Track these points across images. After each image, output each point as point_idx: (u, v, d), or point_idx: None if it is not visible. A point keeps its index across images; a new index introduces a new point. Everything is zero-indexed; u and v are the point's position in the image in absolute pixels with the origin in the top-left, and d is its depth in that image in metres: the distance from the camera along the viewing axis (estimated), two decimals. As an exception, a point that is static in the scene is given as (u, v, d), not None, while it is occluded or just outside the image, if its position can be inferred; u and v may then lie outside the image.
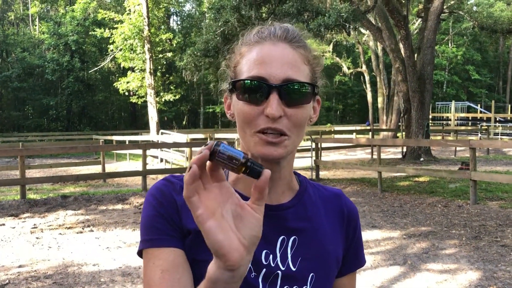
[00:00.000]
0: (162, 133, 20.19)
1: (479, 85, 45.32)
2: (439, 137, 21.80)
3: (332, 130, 26.40)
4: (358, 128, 29.15)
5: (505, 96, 46.43)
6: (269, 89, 0.87)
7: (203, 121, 39.43)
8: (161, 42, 25.41)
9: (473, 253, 5.58)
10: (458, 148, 18.80)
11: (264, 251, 0.92)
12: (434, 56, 17.31)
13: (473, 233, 6.48)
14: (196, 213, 0.67)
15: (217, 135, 21.50)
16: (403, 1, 17.80)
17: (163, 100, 25.00)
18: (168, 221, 0.91)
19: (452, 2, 19.65)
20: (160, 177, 13.85)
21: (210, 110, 38.94)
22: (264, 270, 0.91)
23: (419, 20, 21.98)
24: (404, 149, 16.90)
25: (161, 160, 17.51)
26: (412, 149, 16.14)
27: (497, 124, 28.29)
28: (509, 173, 11.53)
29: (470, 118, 32.84)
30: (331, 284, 1.01)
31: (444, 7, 16.95)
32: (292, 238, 0.95)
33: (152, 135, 21.08)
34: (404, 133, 17.29)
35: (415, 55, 16.25)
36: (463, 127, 28.23)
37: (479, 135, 22.65)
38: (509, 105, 37.27)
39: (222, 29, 12.20)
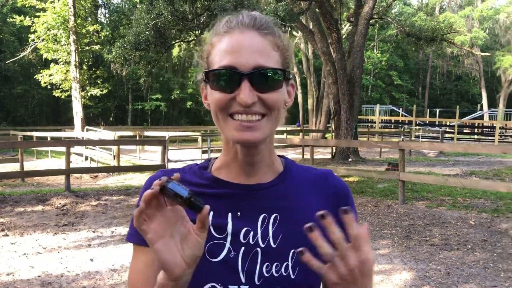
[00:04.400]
0: (87, 130, 19.30)
1: (401, 90, 47.76)
2: (365, 139, 22.60)
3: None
4: (289, 128, 29.58)
5: (424, 101, 49.34)
6: (240, 77, 0.90)
7: (131, 118, 38.12)
8: (88, 34, 24.11)
9: (405, 252, 5.70)
10: (383, 150, 19.55)
11: (245, 229, 0.96)
12: (363, 60, 17.87)
13: (403, 232, 6.64)
14: (146, 238, 0.79)
15: (146, 133, 20.85)
16: (335, 5, 18.22)
17: (89, 94, 23.76)
18: None
19: (380, 9, 20.42)
20: (85, 176, 13.21)
21: (139, 106, 37.76)
22: (243, 248, 0.95)
23: (348, 24, 22.68)
24: (334, 150, 17.30)
25: (86, 158, 16.65)
26: (341, 150, 16.55)
27: (417, 127, 29.91)
28: (432, 173, 12.10)
29: (393, 121, 34.42)
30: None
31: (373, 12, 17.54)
32: (273, 216, 0.98)
33: (77, 132, 20.01)
34: (333, 134, 17.70)
35: (346, 58, 16.67)
36: (387, 130, 29.54)
37: (402, 137, 23.79)
38: (428, 110, 39.71)
39: (154, 22, 11.72)
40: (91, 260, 5.35)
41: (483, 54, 31.69)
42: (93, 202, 8.86)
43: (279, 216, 0.98)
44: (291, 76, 0.98)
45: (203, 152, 14.94)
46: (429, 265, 5.21)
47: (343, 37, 25.01)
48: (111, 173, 13.43)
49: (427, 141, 21.63)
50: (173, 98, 38.19)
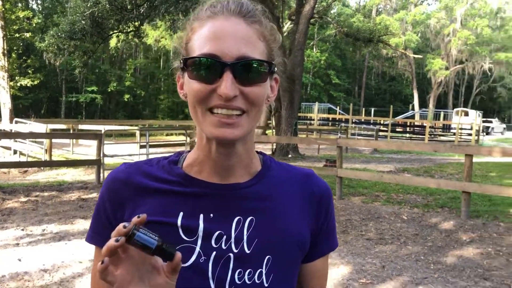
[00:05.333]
0: (16, 122, 18.22)
1: (338, 88, 49.15)
2: (304, 136, 23.02)
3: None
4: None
5: (360, 100, 51.09)
6: (222, 67, 0.82)
7: (65, 111, 36.45)
8: (18, 20, 22.77)
9: (343, 247, 5.83)
10: (321, 146, 20.01)
11: (217, 232, 0.89)
12: (303, 58, 18.16)
13: (341, 227, 6.80)
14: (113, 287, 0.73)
15: (81, 126, 20.01)
16: (277, 3, 18.37)
17: (18, 85, 22.47)
18: (109, 222, 0.93)
19: (321, 8, 20.85)
20: (14, 171, 12.43)
21: (74, 99, 36.19)
22: (215, 253, 0.88)
23: (289, 23, 22.99)
24: (274, 146, 17.48)
25: (15, 152, 15.71)
26: (282, 146, 16.75)
27: (354, 125, 30.90)
28: (368, 170, 12.53)
29: (330, 119, 35.31)
30: (294, 268, 0.94)
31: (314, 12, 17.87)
32: (249, 219, 0.91)
33: (5, 124, 18.86)
34: (274, 131, 17.87)
35: (287, 56, 16.87)
36: (325, 127, 30.26)
37: (339, 134, 24.48)
38: (363, 108, 41.16)
39: (91, 10, 11.25)
40: (19, 260, 5.03)
41: (416, 56, 33.26)
42: (22, 198, 8.36)
43: (255, 219, 0.91)
44: (276, 69, 0.91)
45: (141, 147, 14.56)
46: (365, 259, 5.37)
47: (284, 35, 25.32)
48: (42, 168, 12.76)
49: (363, 139, 22.39)
50: (109, 90, 36.96)
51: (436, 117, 38.94)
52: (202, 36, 0.85)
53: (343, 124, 29.38)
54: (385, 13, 50.18)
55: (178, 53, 0.93)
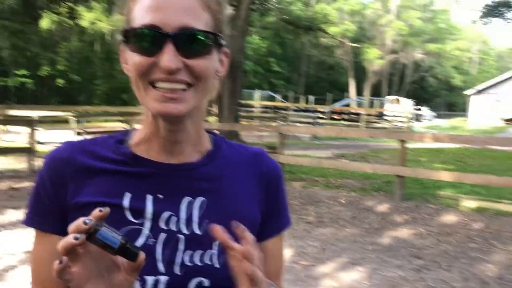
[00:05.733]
0: None
1: (279, 76, 49.65)
2: (246, 123, 23.10)
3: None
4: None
5: (299, 88, 51.92)
6: (163, 39, 0.78)
7: (-9, 96, 34.23)
8: None
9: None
10: (262, 133, 20.17)
11: (166, 213, 0.86)
12: (244, 45, 18.13)
13: (282, 212, 6.92)
14: (70, 286, 0.68)
15: (11, 112, 18.87)
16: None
17: None
18: (50, 202, 0.88)
19: (261, -5, 20.86)
20: None
21: (2, 83, 34.03)
22: (164, 234, 0.84)
23: (229, 8, 22.77)
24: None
25: None
26: (223, 133, 16.71)
27: (294, 112, 31.39)
28: (307, 156, 12.79)
29: (271, 106, 35.66)
30: None
31: (255, -2, 17.85)
32: (199, 199, 0.88)
33: None
34: (216, 118, 17.77)
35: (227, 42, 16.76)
36: (266, 114, 30.52)
37: (280, 122, 24.78)
38: (303, 96, 41.90)
39: (20, -12, 10.55)
40: None
41: (354, 45, 34.22)
42: None
43: (207, 199, 0.88)
44: (224, 42, 0.87)
45: (78, 134, 13.99)
46: (306, 242, 5.50)
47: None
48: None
49: (303, 126, 22.80)
50: (41, 75, 35.09)
51: (372, 104, 40.40)
52: (144, 6, 0.80)
53: (283, 112, 29.77)
54: (324, 2, 51.12)
55: (121, 26, 0.88)
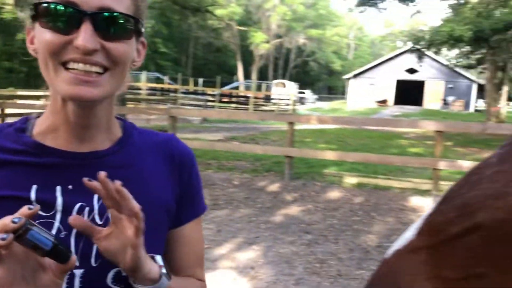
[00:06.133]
0: None
1: (166, 58, 48.58)
2: (132, 106, 22.29)
3: (16, 94, 23.51)
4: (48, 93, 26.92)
5: (188, 70, 51.40)
6: (81, 17, 0.74)
7: None
8: None
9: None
10: (151, 117, 19.65)
11: (78, 204, 0.82)
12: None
13: (176, 196, 6.87)
14: None
15: None
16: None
17: None
18: None
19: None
20: None
21: None
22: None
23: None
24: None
25: None
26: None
27: (182, 95, 31.03)
28: (198, 139, 12.78)
29: (158, 89, 34.85)
30: (162, 234, 0.92)
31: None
32: None
33: None
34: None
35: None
36: (154, 97, 29.75)
37: (168, 104, 24.34)
38: (192, 79, 41.57)
39: None
40: None
41: (240, 28, 34.57)
42: None
43: None
44: (143, 30, 0.83)
45: None
46: (203, 225, 5.51)
47: None
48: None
49: (193, 109, 22.68)
50: None
51: (259, 88, 41.45)
52: None
53: (172, 94, 29.27)
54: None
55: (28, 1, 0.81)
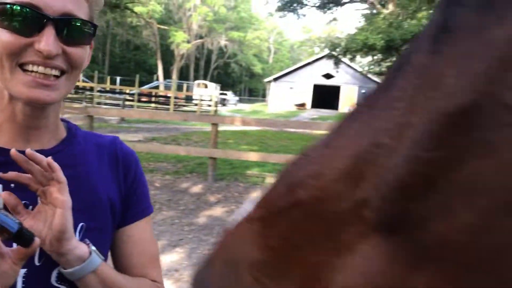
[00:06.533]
0: None
1: (81, 54, 46.46)
2: (44, 104, 21.04)
3: None
4: None
5: (104, 68, 49.48)
6: (45, 21, 0.75)
7: None
8: None
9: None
10: (65, 116, 18.67)
11: (23, 203, 0.82)
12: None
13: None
14: None
15: None
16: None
17: None
18: None
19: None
20: None
21: None
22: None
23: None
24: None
25: None
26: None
27: (99, 93, 29.82)
28: (117, 140, 12.37)
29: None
30: (109, 235, 0.93)
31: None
32: None
33: None
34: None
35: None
36: (68, 95, 28.31)
37: (84, 103, 23.26)
38: (108, 77, 40.09)
39: None
40: None
41: (160, 27, 33.94)
42: None
43: None
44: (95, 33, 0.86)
45: None
46: (123, 229, 5.35)
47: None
48: None
49: (111, 108, 21.86)
50: None
51: (180, 88, 40.96)
52: None
53: (88, 93, 28.02)
54: (129, -20, 49.46)
55: None
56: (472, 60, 0.26)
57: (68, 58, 0.78)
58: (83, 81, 34.40)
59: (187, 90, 40.00)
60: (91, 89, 31.25)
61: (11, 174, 0.76)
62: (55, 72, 0.77)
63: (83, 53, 0.82)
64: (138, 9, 33.26)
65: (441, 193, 0.27)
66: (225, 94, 46.62)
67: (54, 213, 0.76)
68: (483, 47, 0.26)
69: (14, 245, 0.72)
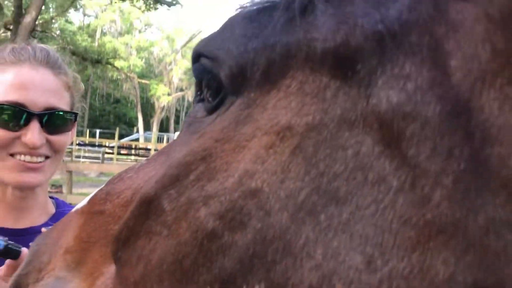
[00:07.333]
0: None
1: (60, 108, 46.46)
2: (22, 158, 20.81)
3: None
4: None
5: (84, 121, 49.40)
6: (30, 117, 0.85)
7: None
8: None
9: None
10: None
11: None
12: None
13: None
14: None
15: None
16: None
17: None
18: None
19: (41, 21, 19.46)
20: None
21: None
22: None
23: (2, 30, 20.61)
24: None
25: None
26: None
27: (78, 147, 29.61)
28: (96, 195, 12.19)
29: (52, 140, 32.98)
30: None
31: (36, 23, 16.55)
32: None
33: None
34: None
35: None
36: (45, 149, 28.05)
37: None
38: (88, 130, 39.93)
39: None
40: None
41: (142, 81, 34.48)
42: None
43: None
44: (76, 118, 0.98)
45: None
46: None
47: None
48: None
49: (94, 162, 21.71)
50: None
51: (160, 140, 40.97)
52: (7, 83, 0.85)
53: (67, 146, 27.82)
54: (110, 35, 50.36)
55: None
56: None
57: (52, 146, 0.89)
58: (62, 134, 34.20)
59: (168, 141, 40.01)
60: (70, 142, 31.07)
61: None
62: (40, 159, 0.87)
63: (66, 139, 0.93)
64: (119, 63, 33.79)
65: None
66: (206, 145, 46.61)
67: None
68: None
69: None
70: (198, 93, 0.44)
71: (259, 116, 0.35)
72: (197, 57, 0.42)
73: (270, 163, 0.33)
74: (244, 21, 0.40)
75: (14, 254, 0.73)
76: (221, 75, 0.39)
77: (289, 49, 0.36)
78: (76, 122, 0.98)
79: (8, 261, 0.75)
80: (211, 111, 0.40)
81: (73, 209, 0.51)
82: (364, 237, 0.29)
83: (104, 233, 0.43)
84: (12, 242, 0.73)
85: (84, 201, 0.51)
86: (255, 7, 0.41)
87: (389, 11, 0.34)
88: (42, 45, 0.94)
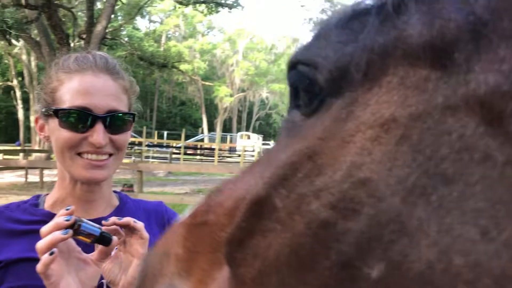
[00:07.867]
0: None
1: (130, 111, 48.43)
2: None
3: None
4: (6, 148, 26.26)
5: (152, 123, 51.34)
6: (95, 119, 0.97)
7: None
8: None
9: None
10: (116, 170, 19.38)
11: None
12: (96, 79, 17.50)
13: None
14: (49, 282, 0.80)
15: None
16: (64, 19, 17.32)
17: None
18: None
19: (111, 29, 20.47)
20: None
21: None
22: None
23: (76, 40, 21.90)
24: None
25: None
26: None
27: (147, 148, 30.83)
28: (165, 193, 12.70)
29: (122, 142, 34.46)
30: None
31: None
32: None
33: None
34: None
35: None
36: (117, 150, 29.37)
37: (133, 158, 24.10)
38: (156, 131, 41.47)
39: None
40: None
41: (205, 83, 35.20)
42: None
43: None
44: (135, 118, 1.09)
45: None
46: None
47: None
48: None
49: (162, 162, 22.56)
50: None
51: (223, 140, 41.78)
52: (73, 89, 0.97)
53: (136, 147, 29.06)
54: (174, 40, 51.97)
55: (40, 99, 1.04)
56: None
57: (114, 144, 1.00)
58: (132, 136, 35.70)
59: (231, 141, 40.72)
60: (140, 144, 32.40)
61: (109, 223, 0.93)
62: (105, 157, 0.98)
63: (126, 137, 1.04)
64: (183, 67, 34.80)
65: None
66: (268, 144, 46.96)
67: (131, 262, 0.91)
68: None
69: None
70: (294, 99, 0.47)
71: (361, 113, 0.39)
72: (294, 65, 0.46)
73: (377, 154, 0.36)
74: (337, 29, 0.45)
75: (107, 241, 0.82)
76: (320, 80, 0.42)
77: (387, 48, 0.40)
78: (134, 122, 1.08)
79: (100, 247, 0.84)
80: (309, 114, 0.44)
81: (177, 223, 0.57)
82: (476, 211, 0.31)
83: (209, 242, 0.47)
84: (105, 231, 0.83)
85: (185, 215, 0.55)
86: (342, 16, 0.45)
87: (478, 2, 0.36)
88: (101, 52, 1.05)
